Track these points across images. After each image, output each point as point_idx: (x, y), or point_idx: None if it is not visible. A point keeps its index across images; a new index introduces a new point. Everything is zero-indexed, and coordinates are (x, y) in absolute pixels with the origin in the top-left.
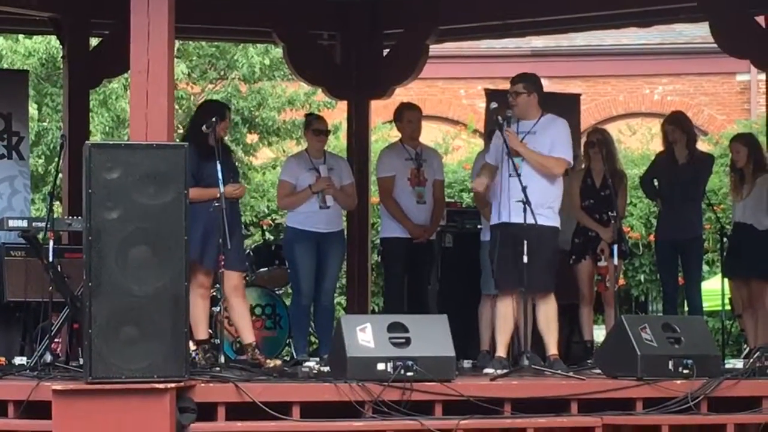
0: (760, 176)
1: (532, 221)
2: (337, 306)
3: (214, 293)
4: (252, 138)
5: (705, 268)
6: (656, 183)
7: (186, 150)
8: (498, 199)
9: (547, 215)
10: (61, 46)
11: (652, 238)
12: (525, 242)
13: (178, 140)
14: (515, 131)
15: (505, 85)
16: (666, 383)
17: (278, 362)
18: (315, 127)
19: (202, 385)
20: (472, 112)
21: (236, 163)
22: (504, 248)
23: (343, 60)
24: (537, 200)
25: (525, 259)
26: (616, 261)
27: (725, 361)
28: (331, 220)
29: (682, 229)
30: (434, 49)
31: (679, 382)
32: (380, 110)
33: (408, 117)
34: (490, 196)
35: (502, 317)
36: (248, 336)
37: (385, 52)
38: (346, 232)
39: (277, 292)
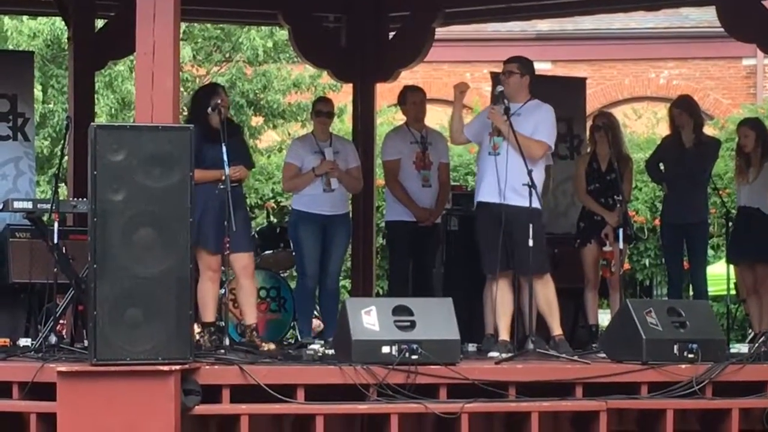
0: (767, 161)
1: (534, 204)
2: (342, 289)
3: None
4: (257, 121)
5: (710, 252)
6: (662, 167)
7: (191, 132)
8: (478, 178)
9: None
10: (66, 28)
11: (657, 222)
12: (531, 226)
13: (183, 122)
14: (501, 111)
15: None
16: (671, 367)
17: (272, 346)
18: (317, 108)
19: (207, 367)
20: (478, 96)
21: (246, 143)
22: (488, 230)
23: (348, 43)
24: (520, 181)
25: (531, 242)
26: (621, 245)
27: (730, 346)
28: (336, 203)
29: (688, 214)
30: (440, 32)
31: (683, 366)
32: (386, 93)
33: (412, 99)
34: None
35: (501, 301)
36: (251, 317)
37: (391, 35)
38: (351, 215)
39: (282, 275)
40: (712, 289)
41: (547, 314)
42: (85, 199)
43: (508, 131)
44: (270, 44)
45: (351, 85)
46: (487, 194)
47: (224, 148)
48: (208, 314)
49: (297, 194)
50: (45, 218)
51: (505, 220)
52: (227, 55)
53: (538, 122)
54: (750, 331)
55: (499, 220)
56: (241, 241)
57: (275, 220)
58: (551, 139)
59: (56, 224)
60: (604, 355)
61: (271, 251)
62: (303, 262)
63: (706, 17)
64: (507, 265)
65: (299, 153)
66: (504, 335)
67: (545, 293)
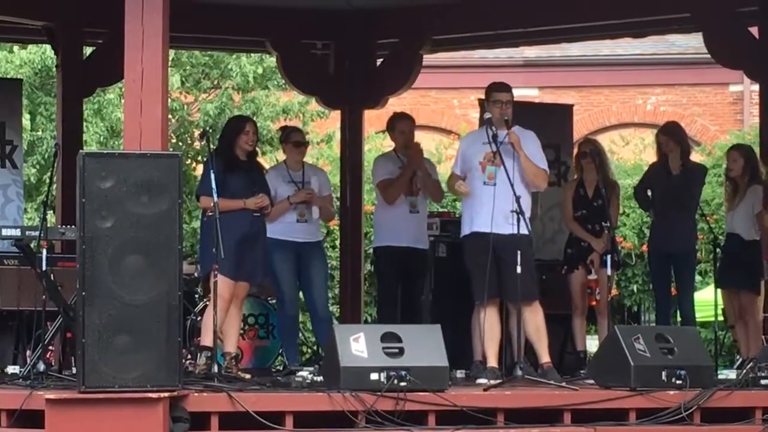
0: (751, 187)
1: (525, 231)
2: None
3: (207, 301)
4: None
5: (697, 278)
6: (650, 194)
7: (180, 159)
8: (470, 208)
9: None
10: (55, 55)
11: (644, 248)
12: (518, 252)
13: (171, 149)
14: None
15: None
16: (659, 394)
17: (248, 376)
18: (296, 139)
19: (196, 394)
20: (465, 122)
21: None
22: (482, 258)
23: (336, 70)
24: (512, 209)
25: (519, 269)
26: (609, 271)
27: (718, 372)
28: (310, 231)
29: (675, 240)
30: (427, 59)
31: (672, 392)
32: (374, 120)
33: (400, 127)
34: (463, 206)
35: (489, 327)
36: (233, 345)
37: (379, 62)
38: (339, 242)
39: (270, 302)
40: (700, 315)
41: (535, 341)
42: (73, 227)
43: (525, 159)
44: (260, 70)
45: (339, 111)
46: (484, 224)
47: (212, 176)
48: (209, 339)
49: (270, 222)
50: (33, 245)
51: (501, 248)
52: (216, 82)
53: (533, 151)
54: (738, 357)
55: (494, 248)
56: (258, 270)
57: None
58: (546, 165)
59: (44, 251)
60: (592, 381)
61: None
62: (281, 288)
63: (693, 44)
64: (496, 293)
65: (272, 183)
66: (492, 362)
67: (534, 320)
